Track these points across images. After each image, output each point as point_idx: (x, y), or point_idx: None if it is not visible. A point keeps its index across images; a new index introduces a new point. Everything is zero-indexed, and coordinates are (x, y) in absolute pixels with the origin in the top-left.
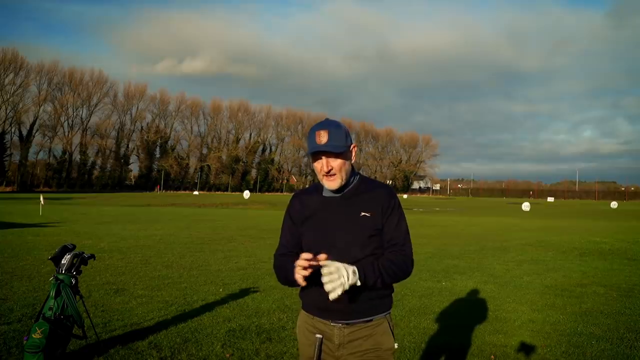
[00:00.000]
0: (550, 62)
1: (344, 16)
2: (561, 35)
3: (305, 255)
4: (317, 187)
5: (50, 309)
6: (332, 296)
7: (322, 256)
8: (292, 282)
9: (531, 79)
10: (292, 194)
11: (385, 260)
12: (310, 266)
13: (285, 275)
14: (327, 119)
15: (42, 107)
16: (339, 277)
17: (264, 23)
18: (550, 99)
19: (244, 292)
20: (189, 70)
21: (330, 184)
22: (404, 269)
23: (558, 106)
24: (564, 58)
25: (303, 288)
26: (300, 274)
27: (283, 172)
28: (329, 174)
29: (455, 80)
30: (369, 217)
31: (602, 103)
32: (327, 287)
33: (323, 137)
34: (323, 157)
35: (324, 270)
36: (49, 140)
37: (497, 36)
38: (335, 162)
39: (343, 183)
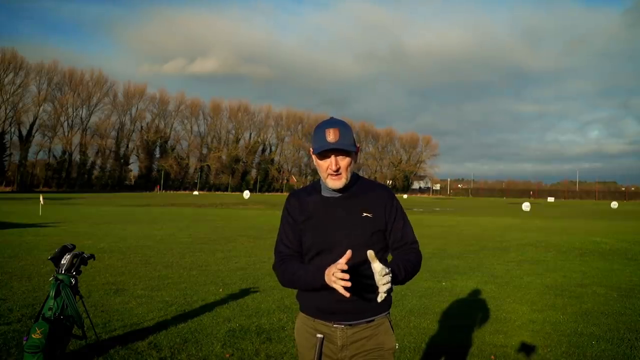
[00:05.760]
0: (563, 61)
1: (358, 15)
2: (577, 34)
3: (342, 263)
4: (315, 186)
5: (50, 309)
6: (381, 297)
7: (348, 254)
8: (308, 287)
9: (542, 78)
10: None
11: (405, 260)
12: (344, 271)
13: (297, 279)
14: (333, 118)
15: (42, 107)
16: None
17: (277, 22)
18: (560, 99)
19: (244, 292)
20: (199, 70)
21: (336, 183)
22: (418, 267)
23: (567, 106)
24: (577, 57)
25: (298, 290)
26: (342, 284)
27: (283, 172)
28: (336, 172)
29: (465, 80)
30: (371, 217)
31: (611, 103)
32: (385, 288)
33: (334, 135)
34: (332, 156)
35: (382, 272)
36: (48, 140)
37: (512, 36)
38: (344, 161)
39: (346, 182)
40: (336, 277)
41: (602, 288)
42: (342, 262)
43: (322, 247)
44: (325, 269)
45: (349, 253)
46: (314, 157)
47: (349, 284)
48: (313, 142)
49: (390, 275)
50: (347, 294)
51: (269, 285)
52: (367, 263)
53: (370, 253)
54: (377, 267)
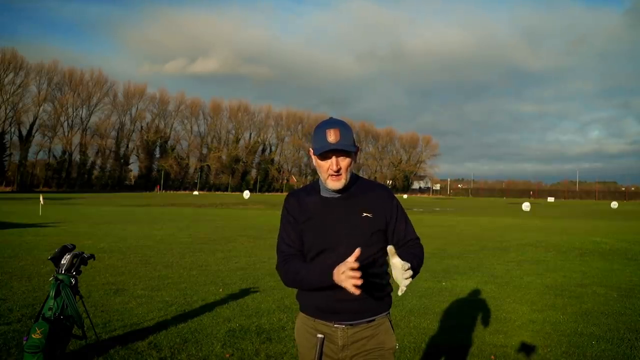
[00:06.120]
0: (564, 61)
1: (358, 15)
2: (577, 34)
3: (351, 261)
4: (314, 186)
5: (50, 309)
6: (402, 292)
7: (357, 252)
8: (312, 287)
9: (542, 78)
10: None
11: (412, 254)
12: (353, 269)
13: (301, 279)
14: (333, 118)
15: (42, 107)
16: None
17: (277, 22)
18: (561, 99)
19: (244, 292)
20: (200, 70)
21: (336, 183)
22: (423, 260)
23: (568, 106)
24: (577, 57)
25: (302, 289)
26: (353, 283)
27: (283, 172)
28: (337, 173)
29: (465, 80)
30: (371, 217)
31: (612, 103)
32: (407, 283)
33: (335, 136)
34: (333, 156)
35: (404, 267)
36: (48, 140)
37: (512, 36)
38: (344, 162)
39: (346, 183)
40: (347, 275)
41: (602, 288)
42: (351, 261)
43: (322, 247)
44: (330, 268)
45: (358, 251)
46: (314, 157)
47: (360, 282)
48: (313, 142)
49: (411, 270)
50: (358, 292)
51: (269, 285)
52: (368, 263)
53: (390, 249)
54: (397, 262)
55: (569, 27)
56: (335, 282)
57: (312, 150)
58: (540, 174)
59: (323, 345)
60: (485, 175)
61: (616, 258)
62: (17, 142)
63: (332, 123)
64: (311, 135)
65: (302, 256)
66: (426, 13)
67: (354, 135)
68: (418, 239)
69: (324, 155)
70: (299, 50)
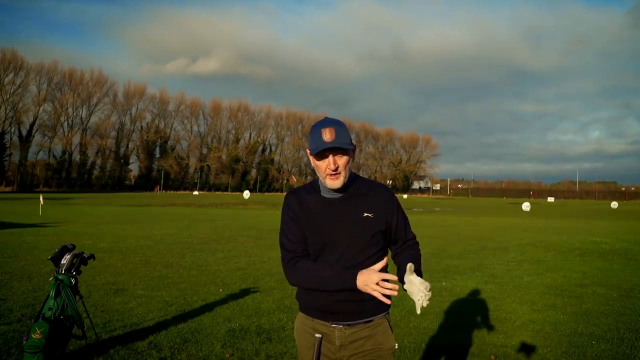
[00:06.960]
0: (565, 61)
1: (360, 15)
2: (578, 34)
3: (378, 271)
4: (314, 186)
5: (50, 309)
6: (420, 311)
7: (385, 261)
8: (328, 287)
9: (543, 78)
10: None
11: (414, 256)
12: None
13: (318, 281)
14: (328, 117)
15: (42, 107)
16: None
17: (279, 22)
18: (561, 99)
19: (244, 292)
20: (201, 70)
21: (335, 182)
22: (420, 260)
23: (569, 106)
24: (578, 57)
25: (302, 289)
26: (386, 292)
27: (283, 172)
28: (335, 171)
29: (466, 80)
30: (372, 217)
31: (613, 103)
32: (425, 304)
33: (330, 135)
34: (330, 155)
35: (425, 285)
36: (48, 140)
37: (513, 36)
38: (342, 160)
39: (345, 181)
40: (382, 286)
41: (602, 288)
42: (377, 270)
43: (322, 247)
44: (352, 273)
45: (385, 260)
46: (311, 158)
47: (395, 294)
48: (310, 142)
49: (430, 286)
50: (388, 301)
51: (269, 285)
52: (368, 264)
53: (410, 266)
54: (415, 279)
55: (570, 27)
56: (360, 288)
57: (309, 151)
58: (541, 174)
59: (321, 345)
60: (486, 175)
61: (616, 258)
62: (17, 142)
63: (327, 122)
64: (307, 137)
65: (308, 254)
66: (427, 13)
67: (353, 136)
68: (414, 237)
69: (320, 155)
70: (300, 51)
